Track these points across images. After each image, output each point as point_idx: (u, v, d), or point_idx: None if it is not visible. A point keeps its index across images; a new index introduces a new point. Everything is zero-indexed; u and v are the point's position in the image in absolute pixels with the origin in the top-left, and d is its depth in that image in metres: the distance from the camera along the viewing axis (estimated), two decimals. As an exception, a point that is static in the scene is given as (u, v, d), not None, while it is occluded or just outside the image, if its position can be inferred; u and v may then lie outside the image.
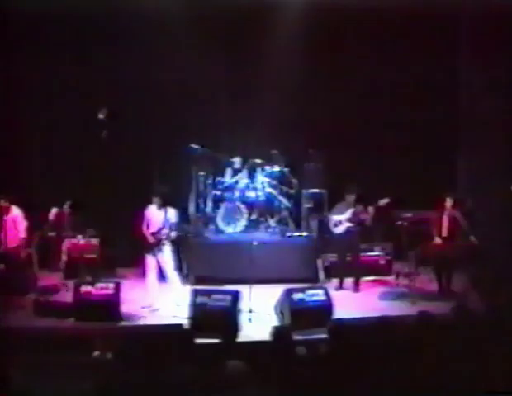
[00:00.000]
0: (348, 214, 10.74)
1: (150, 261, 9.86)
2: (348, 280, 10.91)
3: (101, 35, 11.90)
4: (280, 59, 12.40)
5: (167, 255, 9.85)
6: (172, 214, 9.79)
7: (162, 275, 9.99)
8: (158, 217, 9.80)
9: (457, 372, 5.50)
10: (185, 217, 12.06)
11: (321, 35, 12.13)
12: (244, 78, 12.44)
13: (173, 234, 9.79)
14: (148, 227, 9.87)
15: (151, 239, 9.78)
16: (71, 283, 10.15)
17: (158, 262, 9.87)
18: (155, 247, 9.78)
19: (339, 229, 10.82)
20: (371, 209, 10.59)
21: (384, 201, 10.54)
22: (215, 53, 12.31)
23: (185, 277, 11.04)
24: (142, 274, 10.28)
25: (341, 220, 10.78)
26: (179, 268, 10.35)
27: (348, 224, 10.76)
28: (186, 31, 12.12)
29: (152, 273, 9.87)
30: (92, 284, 9.47)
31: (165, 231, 9.70)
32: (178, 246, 10.42)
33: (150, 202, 9.89)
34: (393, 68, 12.29)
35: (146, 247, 9.85)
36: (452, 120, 12.64)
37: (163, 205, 9.74)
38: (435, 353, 5.73)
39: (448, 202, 10.44)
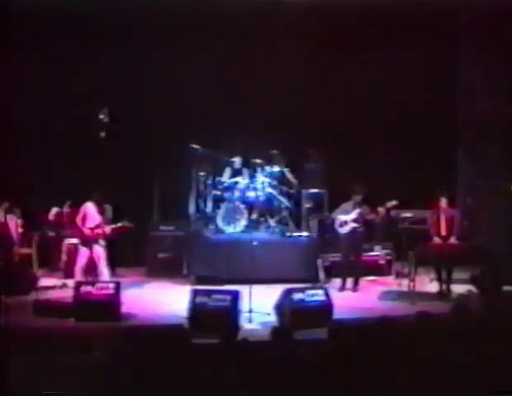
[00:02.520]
0: (354, 214, 10.72)
1: (83, 254, 10.33)
2: (349, 280, 10.90)
3: (101, 35, 11.90)
4: (280, 59, 12.41)
5: (100, 250, 10.31)
6: (107, 212, 10.48)
7: (91, 269, 10.39)
8: (95, 214, 10.36)
9: (457, 372, 5.50)
10: (185, 216, 12.14)
11: (321, 35, 12.13)
12: (244, 78, 12.45)
13: (108, 230, 10.33)
14: (84, 222, 10.33)
15: (88, 234, 10.25)
16: (71, 283, 10.17)
17: (90, 256, 10.32)
18: (91, 241, 10.26)
19: (345, 229, 10.80)
20: (381, 209, 10.58)
21: (392, 203, 10.54)
22: (215, 53, 12.32)
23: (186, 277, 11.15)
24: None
25: (346, 220, 10.77)
26: (110, 264, 10.61)
27: (354, 225, 10.74)
28: (186, 31, 12.13)
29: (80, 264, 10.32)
30: (92, 284, 9.48)
31: (101, 227, 10.27)
32: (111, 242, 10.71)
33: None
34: (393, 67, 12.30)
35: (82, 241, 10.37)
36: (451, 119, 12.65)
37: (100, 202, 10.37)
38: (435, 353, 5.73)
39: (443, 202, 10.45)
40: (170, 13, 11.82)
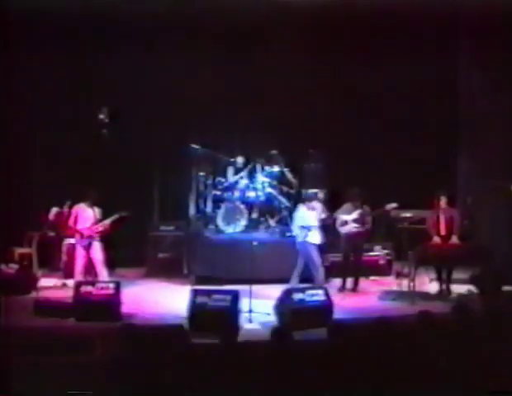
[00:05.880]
0: (355, 214, 10.73)
1: (81, 254, 10.34)
2: (349, 280, 10.91)
3: (101, 35, 11.90)
4: (280, 59, 12.41)
5: (98, 250, 10.32)
6: (97, 212, 10.43)
7: (90, 270, 10.44)
8: (88, 214, 10.37)
9: (457, 372, 5.50)
10: (185, 217, 12.15)
11: (321, 35, 12.14)
12: (244, 78, 12.45)
13: (101, 229, 10.36)
14: (76, 223, 10.36)
15: (82, 234, 10.27)
16: (71, 283, 10.17)
17: (88, 257, 10.34)
18: (86, 241, 10.28)
19: (345, 229, 10.80)
20: (366, 208, 10.61)
21: (391, 206, 10.55)
22: (215, 53, 12.32)
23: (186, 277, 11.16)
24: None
25: (347, 220, 10.77)
26: (110, 264, 10.67)
27: (354, 225, 10.75)
28: (186, 32, 12.13)
29: (79, 265, 10.35)
30: (92, 284, 9.48)
31: (96, 227, 10.29)
32: (110, 242, 10.74)
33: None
34: (393, 68, 12.29)
35: (77, 242, 10.40)
36: (451, 120, 12.65)
37: (92, 203, 10.36)
38: (435, 353, 5.73)
39: (443, 201, 10.47)
40: (170, 13, 11.82)
